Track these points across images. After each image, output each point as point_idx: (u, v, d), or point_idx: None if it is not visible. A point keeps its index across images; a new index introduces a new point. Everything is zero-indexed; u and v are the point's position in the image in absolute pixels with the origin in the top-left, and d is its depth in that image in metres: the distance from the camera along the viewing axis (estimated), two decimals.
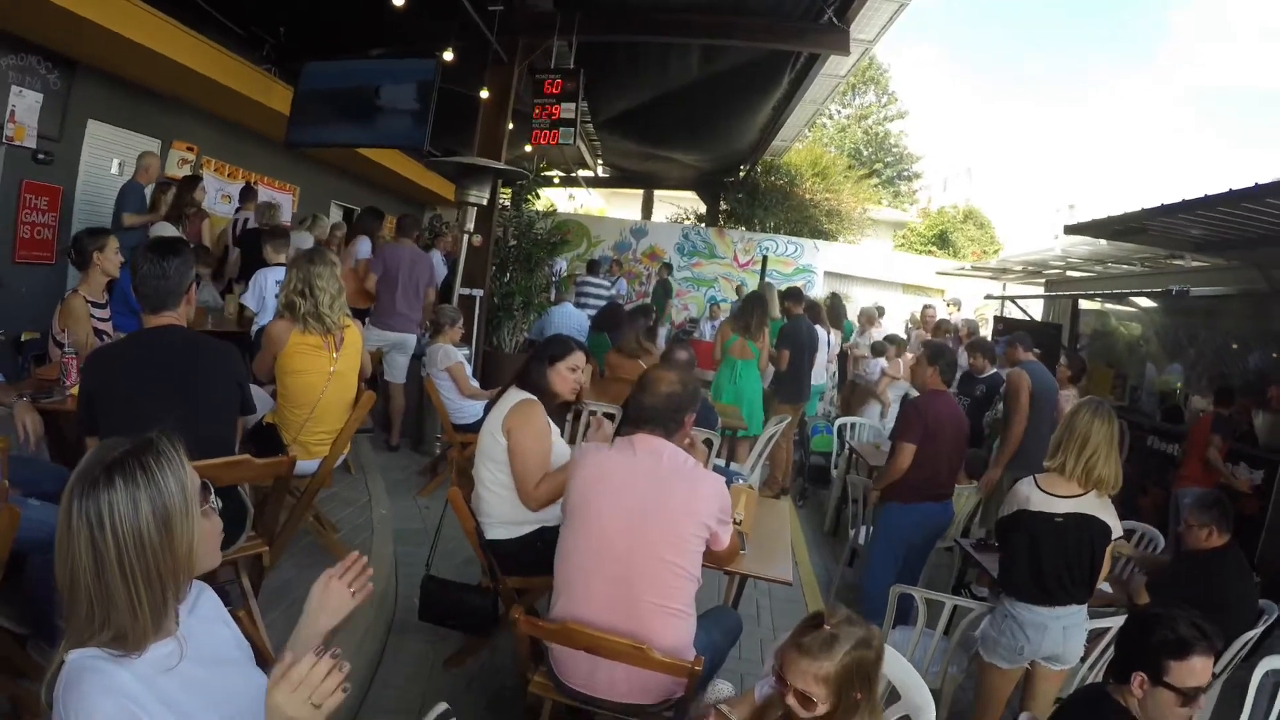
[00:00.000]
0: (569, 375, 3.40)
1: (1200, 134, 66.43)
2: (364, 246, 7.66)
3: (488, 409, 3.49)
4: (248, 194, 8.24)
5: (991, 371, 6.70)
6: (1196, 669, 2.05)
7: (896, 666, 2.27)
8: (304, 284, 3.70)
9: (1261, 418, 6.41)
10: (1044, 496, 3.11)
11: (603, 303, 10.33)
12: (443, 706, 1.75)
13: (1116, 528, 3.10)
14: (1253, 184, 4.52)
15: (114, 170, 7.61)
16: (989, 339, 9.17)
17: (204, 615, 1.54)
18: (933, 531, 4.60)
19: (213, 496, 1.48)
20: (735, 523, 3.20)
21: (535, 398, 3.29)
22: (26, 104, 6.51)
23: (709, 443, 4.81)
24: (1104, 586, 3.32)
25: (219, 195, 9.45)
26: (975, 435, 6.11)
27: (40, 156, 6.75)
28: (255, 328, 5.55)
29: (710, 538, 2.50)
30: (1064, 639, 3.08)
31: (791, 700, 1.81)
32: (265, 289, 5.56)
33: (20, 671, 2.39)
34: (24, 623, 2.43)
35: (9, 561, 2.04)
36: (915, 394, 5.10)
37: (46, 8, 5.32)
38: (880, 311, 11.61)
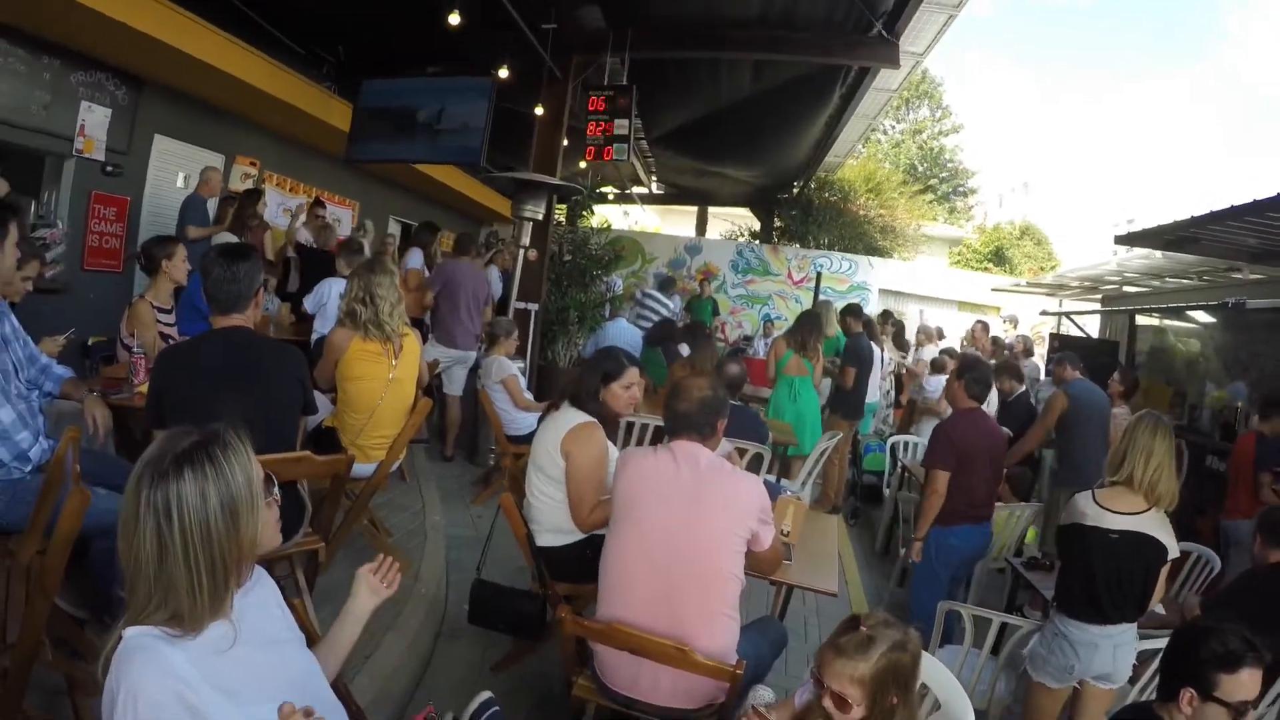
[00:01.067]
0: (623, 394, 3.37)
1: (1266, 140, 64.15)
2: (415, 258, 7.81)
3: (541, 420, 3.52)
4: (317, 206, 8.43)
5: (1020, 391, 6.67)
6: (1246, 682, 1.99)
7: (938, 676, 2.25)
8: (365, 292, 3.79)
9: None
10: (1099, 511, 3.04)
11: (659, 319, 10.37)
12: (486, 694, 1.78)
13: (1173, 549, 3.01)
14: None
15: (179, 183, 7.87)
16: (1016, 360, 9.05)
17: (258, 597, 1.59)
18: (970, 554, 4.49)
19: (275, 488, 1.53)
20: (783, 534, 3.21)
21: (595, 420, 3.27)
22: (96, 119, 6.79)
23: (759, 457, 4.80)
24: (1158, 608, 3.23)
25: (280, 209, 9.70)
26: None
27: (109, 169, 7.03)
28: (315, 336, 5.70)
29: (751, 538, 2.51)
30: (1114, 658, 3.01)
31: (827, 702, 1.81)
32: (327, 297, 5.70)
33: (77, 652, 2.47)
34: (83, 606, 2.53)
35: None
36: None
37: (116, 27, 5.55)
38: (940, 333, 11.55)
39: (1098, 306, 11.54)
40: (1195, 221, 5.45)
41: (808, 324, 6.87)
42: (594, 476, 3.18)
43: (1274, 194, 4.58)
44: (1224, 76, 72.67)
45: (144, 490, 1.33)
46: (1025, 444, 5.65)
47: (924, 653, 1.94)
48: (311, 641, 1.77)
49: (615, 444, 3.48)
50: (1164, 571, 3.03)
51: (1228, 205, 4.95)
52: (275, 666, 1.53)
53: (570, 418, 3.26)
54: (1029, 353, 9.88)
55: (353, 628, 1.83)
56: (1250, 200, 4.77)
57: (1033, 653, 3.21)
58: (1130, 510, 2.99)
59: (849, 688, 1.77)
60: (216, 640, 1.40)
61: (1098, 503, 3.06)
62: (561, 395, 3.44)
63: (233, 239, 6.39)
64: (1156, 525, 2.98)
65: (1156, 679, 3.10)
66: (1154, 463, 2.97)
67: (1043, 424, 5.56)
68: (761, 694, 2.38)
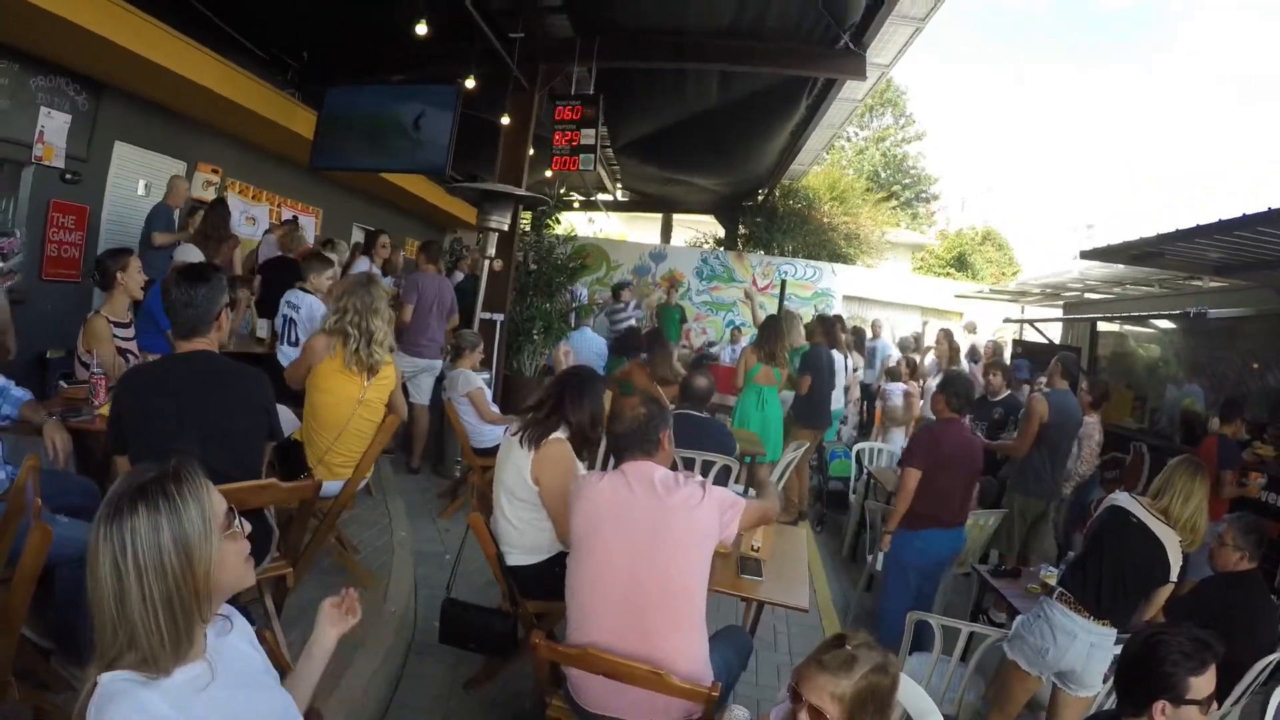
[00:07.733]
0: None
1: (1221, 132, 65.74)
2: (361, 266, 7.70)
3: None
4: (290, 224, 8.28)
5: (1007, 394, 6.72)
6: (1211, 676, 2.06)
7: (914, 697, 2.27)
8: (360, 317, 3.75)
9: None
10: (1131, 500, 3.17)
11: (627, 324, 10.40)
12: None
13: (1174, 573, 3.11)
14: (1266, 208, 4.52)
15: (140, 191, 7.72)
16: (1006, 360, 9.16)
17: (235, 640, 1.58)
18: (942, 557, 4.59)
19: (237, 521, 1.51)
20: (753, 549, 3.24)
21: (560, 437, 3.22)
22: (55, 125, 6.64)
23: (728, 469, 4.82)
24: None
25: (243, 217, 9.55)
26: (989, 462, 6.08)
27: (68, 176, 6.87)
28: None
29: (724, 539, 2.58)
30: (1087, 657, 3.09)
31: (803, 716, 1.81)
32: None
33: (44, 684, 2.42)
34: (48, 636, 2.47)
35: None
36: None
37: (75, 31, 5.44)
38: (918, 337, 11.77)
39: (1059, 314, 11.73)
40: (1163, 239, 5.57)
41: (772, 333, 6.90)
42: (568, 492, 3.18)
43: (1238, 215, 4.77)
44: (1182, 73, 74.47)
45: (102, 528, 1.33)
46: (1017, 449, 5.71)
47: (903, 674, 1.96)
48: (284, 676, 1.76)
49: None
50: (1163, 592, 3.17)
51: (1193, 224, 5.09)
52: (253, 706, 1.52)
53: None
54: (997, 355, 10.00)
55: (319, 660, 1.85)
56: (1216, 220, 4.94)
57: (1015, 631, 3.30)
58: (1159, 518, 3.11)
59: (828, 704, 1.77)
60: (193, 679, 1.39)
61: (1134, 496, 3.21)
62: (532, 412, 3.36)
63: (195, 251, 6.26)
64: (1171, 542, 3.08)
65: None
66: (1191, 505, 3.10)
67: (1028, 430, 5.60)
68: (736, 714, 2.38)
